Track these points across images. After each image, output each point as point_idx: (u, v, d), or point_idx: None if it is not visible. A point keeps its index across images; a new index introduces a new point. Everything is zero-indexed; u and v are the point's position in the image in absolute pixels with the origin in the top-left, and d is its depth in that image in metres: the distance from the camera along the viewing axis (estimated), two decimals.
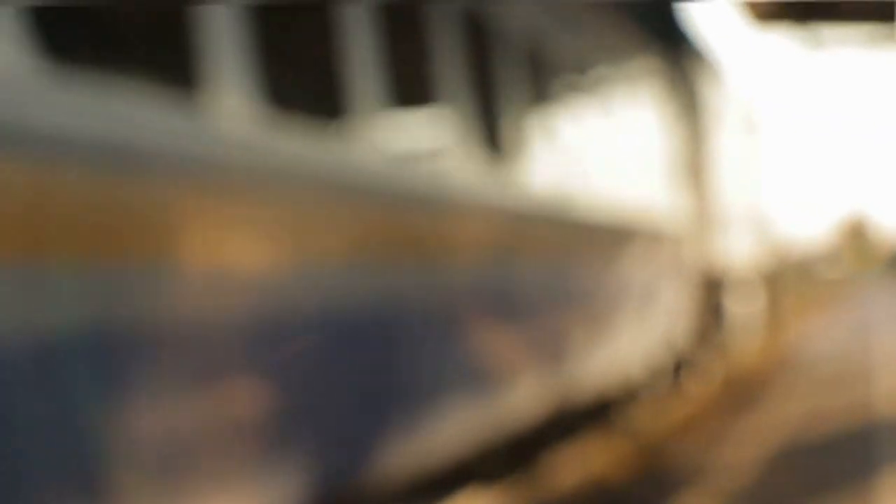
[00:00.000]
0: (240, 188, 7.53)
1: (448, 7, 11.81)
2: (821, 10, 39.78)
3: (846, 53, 42.42)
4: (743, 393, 28.48)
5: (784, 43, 41.00)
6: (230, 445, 7.71)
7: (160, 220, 6.84)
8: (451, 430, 11.73)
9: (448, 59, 11.68)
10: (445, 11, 11.72)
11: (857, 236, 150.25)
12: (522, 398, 14.91)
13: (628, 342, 20.00)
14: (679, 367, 25.38)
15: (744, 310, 32.36)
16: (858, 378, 30.16)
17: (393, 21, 10.25)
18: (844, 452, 19.31)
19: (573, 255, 17.03)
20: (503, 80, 13.67)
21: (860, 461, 18.07)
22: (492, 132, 13.04)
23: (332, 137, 8.97)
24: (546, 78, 15.58)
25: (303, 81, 9.31)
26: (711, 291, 27.47)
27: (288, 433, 8.76)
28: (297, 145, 8.58)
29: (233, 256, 7.66)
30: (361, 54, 9.50)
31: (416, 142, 11.17)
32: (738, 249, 30.90)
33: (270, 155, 7.99)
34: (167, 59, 7.48)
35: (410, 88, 11.04)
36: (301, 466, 8.91)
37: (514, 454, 16.26)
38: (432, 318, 11.80)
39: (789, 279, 58.54)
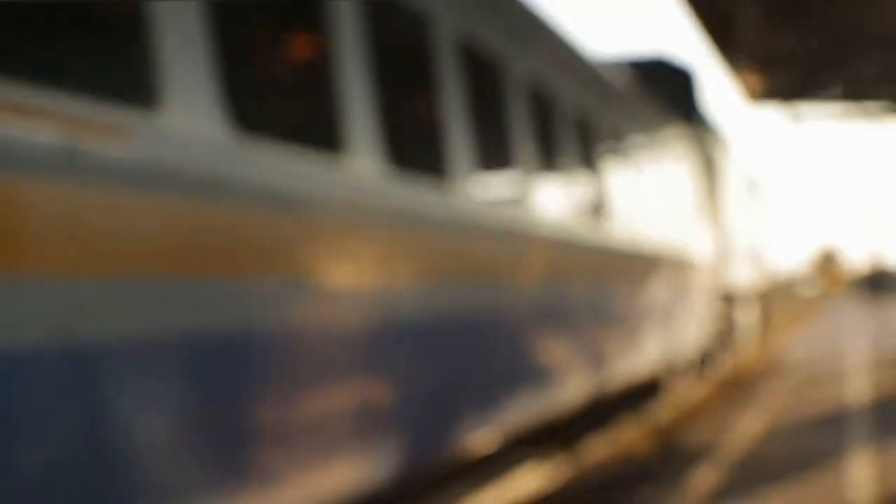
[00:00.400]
0: (373, 223, 8.68)
1: (523, 95, 12.98)
2: (803, 90, 43.31)
3: (824, 126, 46.28)
4: (744, 383, 29.85)
5: (775, 117, 44.87)
6: (350, 422, 8.81)
7: (323, 245, 8.19)
8: (515, 414, 12.47)
9: (521, 132, 12.73)
10: (521, 97, 12.88)
11: (828, 265, 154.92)
12: (597, 382, 16.34)
13: (673, 341, 22.03)
14: (703, 361, 27.58)
15: (745, 320, 35.06)
16: (831, 370, 31.68)
17: (480, 101, 11.31)
18: (822, 429, 20.09)
19: (632, 278, 18.65)
20: (566, 146, 14.86)
21: (834, 436, 18.95)
22: (557, 185, 14.50)
23: (435, 188, 10.01)
24: (599, 143, 16.83)
25: (415, 148, 10.19)
26: (725, 305, 30.08)
27: (392, 411, 9.63)
28: (410, 194, 9.54)
29: (362, 272, 8.74)
30: (458, 127, 10.59)
31: (499, 192, 12.40)
32: (741, 275, 33.49)
33: (392, 200, 9.07)
34: (321, 130, 8.69)
35: (493, 152, 11.98)
36: (400, 438, 9.81)
37: (595, 423, 17.87)
38: (513, 324, 12.54)
39: (777, 297, 59.29)
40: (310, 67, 9.10)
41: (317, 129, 8.54)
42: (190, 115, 6.71)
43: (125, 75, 6.85)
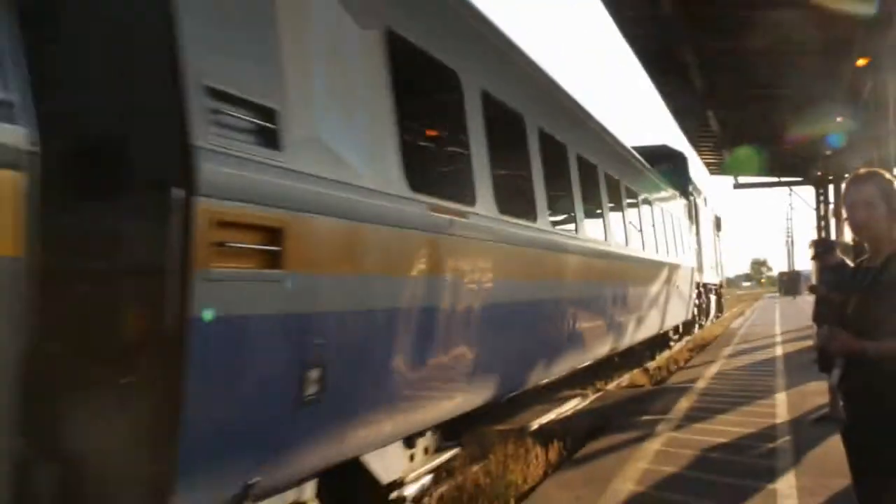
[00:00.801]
0: (493, 243, 10.09)
1: (577, 165, 14.50)
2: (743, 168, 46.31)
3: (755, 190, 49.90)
4: (705, 344, 30.57)
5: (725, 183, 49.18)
6: (474, 363, 9.83)
7: (473, 255, 9.55)
8: (568, 361, 14.42)
9: (577, 189, 14.37)
10: (576, 167, 14.43)
11: (760, 270, 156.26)
12: (624, 343, 18.56)
13: (669, 315, 24.28)
14: (686, 329, 30.92)
15: (709, 304, 38.45)
16: (766, 335, 32.20)
17: (553, 170, 12.84)
18: (759, 372, 21.28)
19: (650, 278, 21.21)
20: (604, 197, 16.72)
21: (767, 375, 20.29)
22: (600, 221, 16.39)
23: (525, 223, 11.34)
24: (626, 196, 19.08)
25: (514, 200, 11.26)
26: (701, 295, 33.50)
27: (502, 357, 11.00)
28: (512, 227, 10.69)
29: (490, 271, 10.06)
30: (539, 186, 12.11)
31: (564, 226, 14.53)
32: (708, 276, 36.72)
33: (501, 230, 10.31)
34: (464, 190, 9.79)
35: (560, 201, 14.17)
36: (502, 374, 11.27)
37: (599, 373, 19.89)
38: (571, 306, 13.92)
39: (727, 291, 59.77)
40: (455, 152, 10.58)
41: (462, 190, 9.58)
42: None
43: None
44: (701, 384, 19.25)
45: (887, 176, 4.96)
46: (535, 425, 13.58)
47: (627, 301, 18.50)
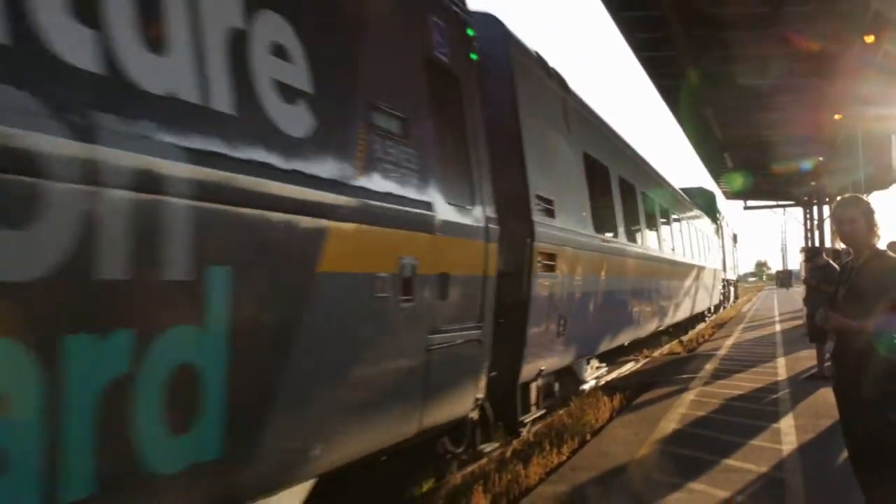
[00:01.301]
0: (598, 256, 10.84)
1: (644, 202, 15.14)
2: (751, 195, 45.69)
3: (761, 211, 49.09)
4: (724, 323, 29.61)
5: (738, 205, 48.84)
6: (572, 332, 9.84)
7: (597, 263, 10.85)
8: (630, 333, 14.54)
9: (643, 218, 15.05)
10: (643, 203, 15.09)
11: (762, 268, 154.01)
12: (666, 322, 18.11)
13: (701, 302, 24.66)
14: (715, 309, 31.46)
15: (728, 293, 38.77)
16: (767, 316, 31.17)
17: (629, 206, 13.57)
18: (764, 343, 20.66)
19: (692, 275, 21.49)
20: (662, 223, 17.45)
21: (769, 345, 19.80)
22: (660, 240, 16.80)
23: (616, 241, 12.25)
24: (676, 221, 19.65)
25: (607, 227, 12.06)
26: (724, 287, 33.94)
27: (598, 328, 11.70)
28: (609, 244, 11.59)
29: (615, 272, 11.78)
30: (620, 217, 12.66)
31: (637, 242, 14.83)
32: (729, 275, 37.88)
33: (602, 246, 11.17)
34: (583, 221, 10.43)
35: (632, 225, 14.20)
36: (621, 328, 13.29)
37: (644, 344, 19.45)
38: (642, 295, 14.88)
39: (739, 284, 59.68)
40: (609, 210, 12.28)
41: (608, 228, 12.02)
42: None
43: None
44: (722, 352, 18.90)
45: (864, 199, 5.25)
46: (602, 381, 13.41)
47: (680, 290, 19.70)
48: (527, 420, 8.91)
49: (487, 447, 8.12)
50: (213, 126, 3.54)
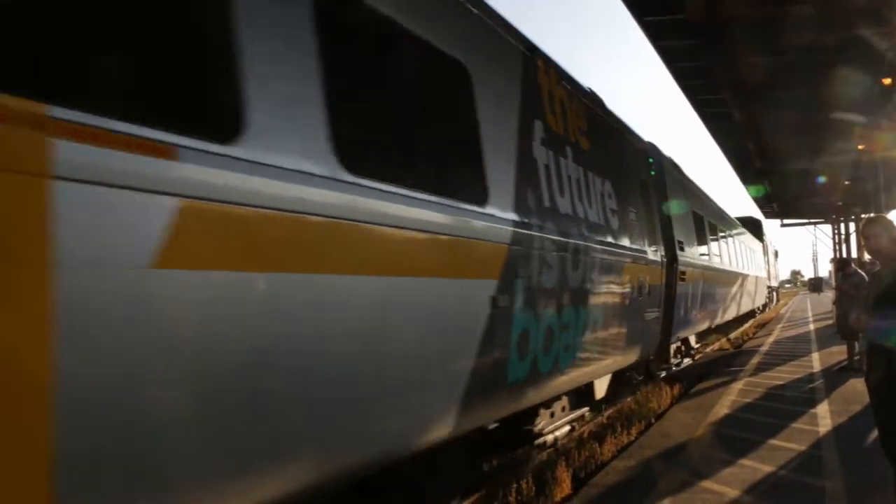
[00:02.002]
0: (700, 272, 12.27)
1: (711, 229, 15.37)
2: (785, 214, 44.46)
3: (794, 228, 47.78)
4: (768, 322, 28.90)
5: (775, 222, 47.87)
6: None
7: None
8: (718, 318, 16.28)
9: (712, 240, 15.28)
10: (713, 230, 15.68)
11: (797, 276, 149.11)
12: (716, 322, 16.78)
13: (758, 300, 26.20)
14: (764, 308, 32.16)
15: (771, 298, 38.51)
16: (802, 317, 29.92)
17: (701, 236, 13.74)
18: (800, 340, 20.01)
19: (748, 282, 21.95)
20: (724, 243, 17.53)
21: (805, 342, 19.12)
22: (724, 255, 16.98)
23: (714, 261, 13.45)
24: (733, 240, 19.53)
25: (704, 251, 13.52)
26: (769, 291, 34.41)
27: (701, 315, 13.35)
28: (707, 263, 13.28)
29: (701, 281, 12.48)
30: (711, 244, 13.96)
31: (704, 256, 14.00)
32: (772, 283, 38.60)
33: (702, 264, 12.81)
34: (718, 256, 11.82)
35: (715, 250, 15.37)
36: (698, 321, 13.41)
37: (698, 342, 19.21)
38: (724, 294, 16.64)
39: (781, 290, 58.79)
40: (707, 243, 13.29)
41: (694, 251, 12.68)
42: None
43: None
44: (764, 348, 18.45)
45: (886, 217, 5.24)
46: (663, 374, 13.16)
47: (744, 292, 21.07)
48: (673, 363, 12.71)
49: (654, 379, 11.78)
50: (599, 230, 6.91)
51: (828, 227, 50.79)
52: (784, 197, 37.65)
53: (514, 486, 6.14)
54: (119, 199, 2.42)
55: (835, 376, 12.56)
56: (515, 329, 4.98)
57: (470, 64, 4.73)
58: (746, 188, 34.36)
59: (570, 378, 6.29)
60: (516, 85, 5.45)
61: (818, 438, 7.82)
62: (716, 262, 15.50)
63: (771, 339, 21.60)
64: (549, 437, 6.83)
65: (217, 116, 2.90)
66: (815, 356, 15.88)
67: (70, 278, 2.27)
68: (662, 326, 10.12)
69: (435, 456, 4.69)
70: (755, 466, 6.70)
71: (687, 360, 14.16)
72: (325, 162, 3.27)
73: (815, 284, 76.89)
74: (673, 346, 12.04)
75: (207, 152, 2.73)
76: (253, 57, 3.00)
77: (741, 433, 8.19)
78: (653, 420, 9.50)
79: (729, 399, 10.62)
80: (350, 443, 3.51)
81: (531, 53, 5.89)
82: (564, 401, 7.02)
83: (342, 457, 3.49)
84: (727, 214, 20.54)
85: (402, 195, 3.75)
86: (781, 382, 12.11)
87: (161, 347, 2.56)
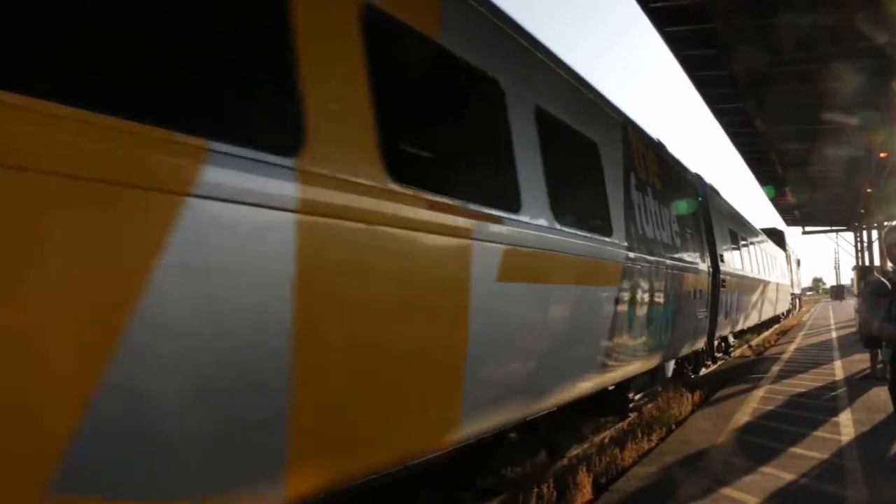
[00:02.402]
0: (737, 280, 13.81)
1: (746, 244, 17.21)
2: (807, 221, 43.99)
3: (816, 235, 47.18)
4: (789, 330, 28.53)
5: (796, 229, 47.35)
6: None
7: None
8: (751, 320, 18.57)
9: (748, 254, 17.26)
10: (749, 246, 17.74)
11: (818, 283, 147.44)
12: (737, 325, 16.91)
13: (782, 306, 28.16)
14: (788, 313, 33.68)
15: (794, 304, 39.24)
16: (824, 324, 29.90)
17: (745, 246, 16.24)
18: (822, 348, 19.79)
19: (775, 290, 23.84)
20: (756, 254, 19.29)
21: (827, 350, 18.95)
22: (754, 265, 18.46)
23: (747, 271, 14.91)
24: (761, 251, 20.90)
25: (739, 262, 15.13)
26: (792, 298, 35.40)
27: (738, 317, 15.43)
28: (742, 272, 14.82)
29: (737, 289, 14.24)
30: (744, 255, 15.25)
31: (740, 267, 15.96)
32: (795, 290, 39.37)
33: (739, 273, 14.42)
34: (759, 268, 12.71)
35: (747, 261, 16.74)
36: (735, 322, 15.33)
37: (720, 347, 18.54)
38: (759, 298, 19.21)
39: (802, 297, 58.22)
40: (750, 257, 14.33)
41: (731, 262, 14.34)
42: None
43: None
44: (786, 356, 18.26)
45: None
46: (703, 370, 13.38)
47: (771, 298, 23.15)
48: (717, 356, 15.83)
49: (703, 371, 14.32)
50: (669, 249, 8.87)
51: (850, 235, 50.36)
52: (805, 204, 37.38)
53: (535, 490, 6.10)
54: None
55: (857, 384, 12.39)
56: (627, 320, 7.10)
57: (599, 141, 6.87)
58: (765, 190, 34.10)
59: (654, 358, 8.54)
60: (620, 149, 7.57)
61: (840, 447, 7.73)
62: (747, 272, 17.13)
63: (793, 346, 21.38)
64: (639, 401, 9.17)
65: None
66: (838, 364, 15.70)
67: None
68: (709, 325, 12.13)
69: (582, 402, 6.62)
70: (776, 474, 6.65)
71: (723, 357, 16.84)
72: (547, 220, 5.36)
73: (837, 292, 76.20)
74: (715, 343, 14.47)
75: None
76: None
77: (762, 440, 8.11)
78: (673, 426, 9.44)
79: (750, 406, 10.52)
80: (552, 388, 5.75)
81: (626, 124, 8.00)
82: (645, 377, 8.98)
83: (554, 395, 5.80)
84: (755, 228, 22.07)
85: (578, 234, 5.90)
86: (803, 390, 11.97)
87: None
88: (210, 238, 2.63)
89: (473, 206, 4.26)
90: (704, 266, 11.32)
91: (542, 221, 5.16)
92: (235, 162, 2.74)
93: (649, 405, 10.30)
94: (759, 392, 11.89)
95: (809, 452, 7.52)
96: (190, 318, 2.58)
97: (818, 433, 8.49)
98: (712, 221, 12.86)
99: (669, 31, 13.29)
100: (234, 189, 2.71)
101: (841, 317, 35.85)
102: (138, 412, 2.45)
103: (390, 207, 3.59)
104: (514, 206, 4.83)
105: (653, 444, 8.37)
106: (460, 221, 4.14)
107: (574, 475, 6.60)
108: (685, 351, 10.85)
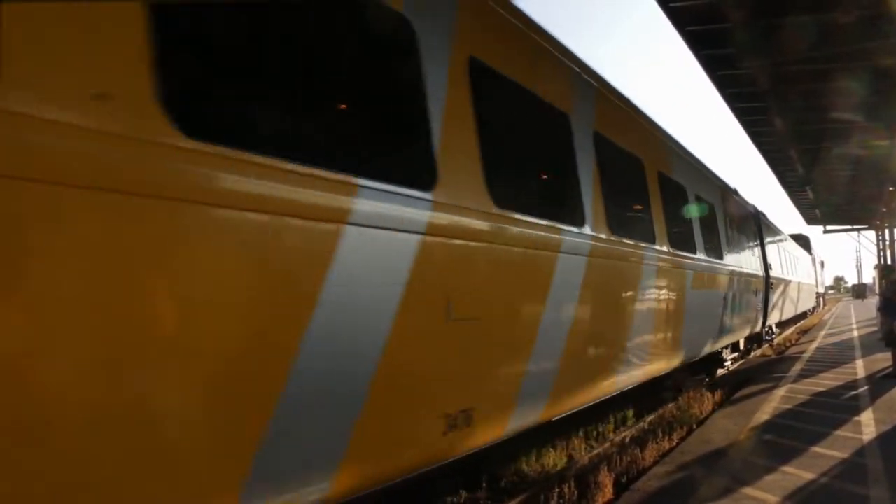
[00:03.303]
0: (782, 281, 16.61)
1: (784, 250, 19.18)
2: (828, 220, 43.52)
3: (837, 234, 46.90)
4: (810, 329, 28.30)
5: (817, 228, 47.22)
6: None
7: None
8: (789, 312, 21.96)
9: (785, 258, 19.73)
10: (780, 251, 19.51)
11: (839, 282, 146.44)
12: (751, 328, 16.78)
13: (809, 303, 31.57)
14: (814, 310, 37.42)
15: (818, 303, 42.12)
16: (846, 323, 29.85)
17: (781, 255, 18.10)
18: (844, 347, 19.60)
19: (803, 289, 27.31)
20: (785, 259, 21.42)
21: (848, 349, 18.72)
22: (785, 270, 20.79)
23: (785, 274, 17.09)
24: (790, 255, 23.39)
25: (778, 266, 17.38)
26: (817, 296, 39.15)
27: (781, 310, 19.30)
28: (783, 275, 17.09)
29: (779, 288, 17.07)
30: (782, 261, 17.22)
31: (789, 272, 19.41)
32: (819, 290, 43.15)
33: (781, 277, 16.65)
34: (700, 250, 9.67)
35: (782, 265, 19.07)
36: (779, 314, 18.63)
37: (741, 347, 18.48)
38: (795, 296, 23.41)
39: (822, 297, 57.92)
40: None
41: (777, 268, 17.80)
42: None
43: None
44: (807, 355, 18.15)
45: None
46: (706, 379, 13.09)
47: (798, 297, 26.83)
48: (766, 339, 19.77)
49: (757, 352, 18.78)
50: (744, 263, 13.50)
51: (871, 233, 49.79)
52: (826, 203, 37.01)
53: (557, 490, 6.10)
54: None
55: (879, 384, 12.30)
56: (728, 310, 11.76)
57: (715, 202, 11.38)
58: (785, 189, 33.81)
59: (736, 335, 13.43)
60: (720, 203, 12.14)
61: (862, 446, 7.67)
62: (785, 275, 21.38)
63: (814, 345, 21.24)
64: (729, 364, 14.84)
65: None
66: (859, 363, 15.58)
67: None
68: (762, 315, 16.46)
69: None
70: (797, 473, 6.60)
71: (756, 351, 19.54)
72: (694, 253, 9.70)
73: (859, 291, 75.49)
74: (765, 329, 18.33)
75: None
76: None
77: (783, 440, 8.07)
78: (694, 426, 9.41)
79: (771, 405, 10.44)
80: (702, 345, 10.62)
81: (723, 185, 12.94)
82: (727, 347, 14.13)
83: (703, 349, 10.71)
84: (789, 239, 25.81)
85: (708, 260, 10.29)
86: (824, 389, 11.90)
87: None
88: (364, 254, 3.41)
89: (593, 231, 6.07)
90: (761, 273, 15.81)
91: (688, 253, 9.27)
92: (402, 199, 3.64)
93: (671, 405, 10.25)
94: (780, 391, 11.81)
95: (831, 451, 7.46)
96: (347, 324, 3.29)
97: (839, 432, 8.41)
98: (763, 239, 17.04)
99: (690, 30, 13.18)
100: (391, 218, 3.54)
101: (863, 316, 35.54)
102: (317, 406, 3.17)
103: (495, 227, 4.43)
104: (690, 248, 9.49)
105: (673, 444, 8.35)
106: (552, 238, 5.24)
107: (595, 474, 6.59)
108: (749, 332, 15.24)
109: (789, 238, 25.89)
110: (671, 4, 12.25)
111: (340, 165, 3.25)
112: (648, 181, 7.85)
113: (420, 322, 3.79)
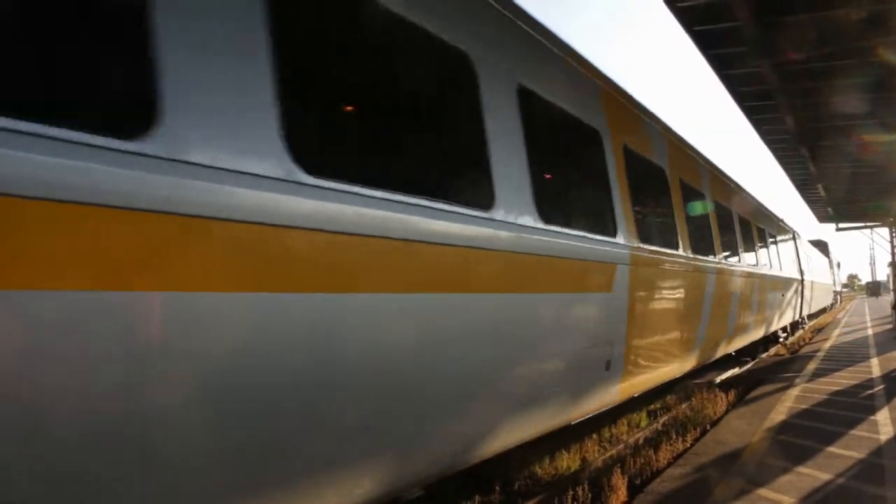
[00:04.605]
0: (811, 282, 20.86)
1: (806, 257, 21.31)
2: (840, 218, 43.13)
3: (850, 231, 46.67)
4: (824, 327, 27.81)
5: (836, 233, 48.04)
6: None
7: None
8: (817, 306, 26.90)
9: (809, 264, 22.06)
10: (807, 257, 21.47)
11: (853, 280, 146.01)
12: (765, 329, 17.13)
13: (828, 300, 34.17)
14: (831, 306, 40.59)
15: (834, 301, 44.83)
16: (860, 322, 29.49)
17: (808, 261, 20.05)
18: (858, 345, 19.47)
19: (821, 288, 29.94)
20: (803, 261, 22.90)
21: (863, 347, 18.65)
22: (803, 271, 22.52)
23: (812, 276, 19.78)
24: (809, 258, 25.67)
25: (808, 271, 20.10)
26: (835, 294, 42.57)
27: (811, 303, 23.88)
28: (811, 277, 20.64)
29: (809, 288, 20.65)
30: (808, 266, 19.82)
31: (812, 274, 22.20)
32: (836, 288, 47.04)
33: (811, 279, 19.94)
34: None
35: (808, 269, 21.26)
36: (810, 307, 22.85)
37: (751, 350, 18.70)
38: (818, 294, 27.27)
39: (839, 294, 57.77)
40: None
41: (807, 272, 21.56)
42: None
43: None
44: (821, 353, 18.01)
45: None
46: (719, 379, 12.98)
47: (823, 294, 32.24)
48: (805, 327, 25.99)
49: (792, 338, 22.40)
50: (789, 270, 19.26)
51: (884, 230, 49.42)
52: (838, 200, 36.65)
53: (570, 493, 6.04)
54: None
55: (894, 382, 12.21)
56: (783, 303, 17.85)
57: (774, 233, 17.44)
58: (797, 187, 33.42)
59: (786, 320, 19.28)
60: (776, 232, 17.79)
61: (879, 446, 7.58)
62: (812, 277, 26.41)
63: (828, 343, 21.07)
64: (779, 335, 19.94)
65: None
66: (874, 361, 15.46)
67: None
68: (799, 308, 21.50)
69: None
70: (813, 474, 6.52)
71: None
72: (761, 266, 14.82)
73: (874, 288, 74.99)
74: (799, 319, 23.51)
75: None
76: None
77: (798, 440, 7.99)
78: (708, 427, 9.33)
79: (785, 405, 10.35)
80: (769, 325, 16.64)
81: (778, 220, 18.43)
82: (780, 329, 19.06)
83: (767, 329, 16.35)
84: (814, 249, 30.26)
85: (773, 273, 16.23)
86: (839, 388, 11.77)
87: None
88: None
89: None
90: (798, 277, 20.94)
91: (758, 268, 13.76)
92: (475, 219, 4.31)
93: (684, 405, 10.17)
94: (795, 391, 11.71)
95: (847, 452, 7.38)
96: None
97: (855, 432, 8.32)
98: (799, 252, 21.72)
99: (697, 30, 13.06)
100: (466, 236, 4.16)
101: (877, 312, 35.37)
102: None
103: (542, 241, 4.96)
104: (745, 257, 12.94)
105: (687, 445, 8.28)
106: (607, 250, 6.14)
107: (609, 476, 6.53)
108: (790, 320, 20.39)
109: (814, 248, 32.23)
110: (678, 4, 12.11)
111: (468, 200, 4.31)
112: (742, 230, 12.94)
113: None
